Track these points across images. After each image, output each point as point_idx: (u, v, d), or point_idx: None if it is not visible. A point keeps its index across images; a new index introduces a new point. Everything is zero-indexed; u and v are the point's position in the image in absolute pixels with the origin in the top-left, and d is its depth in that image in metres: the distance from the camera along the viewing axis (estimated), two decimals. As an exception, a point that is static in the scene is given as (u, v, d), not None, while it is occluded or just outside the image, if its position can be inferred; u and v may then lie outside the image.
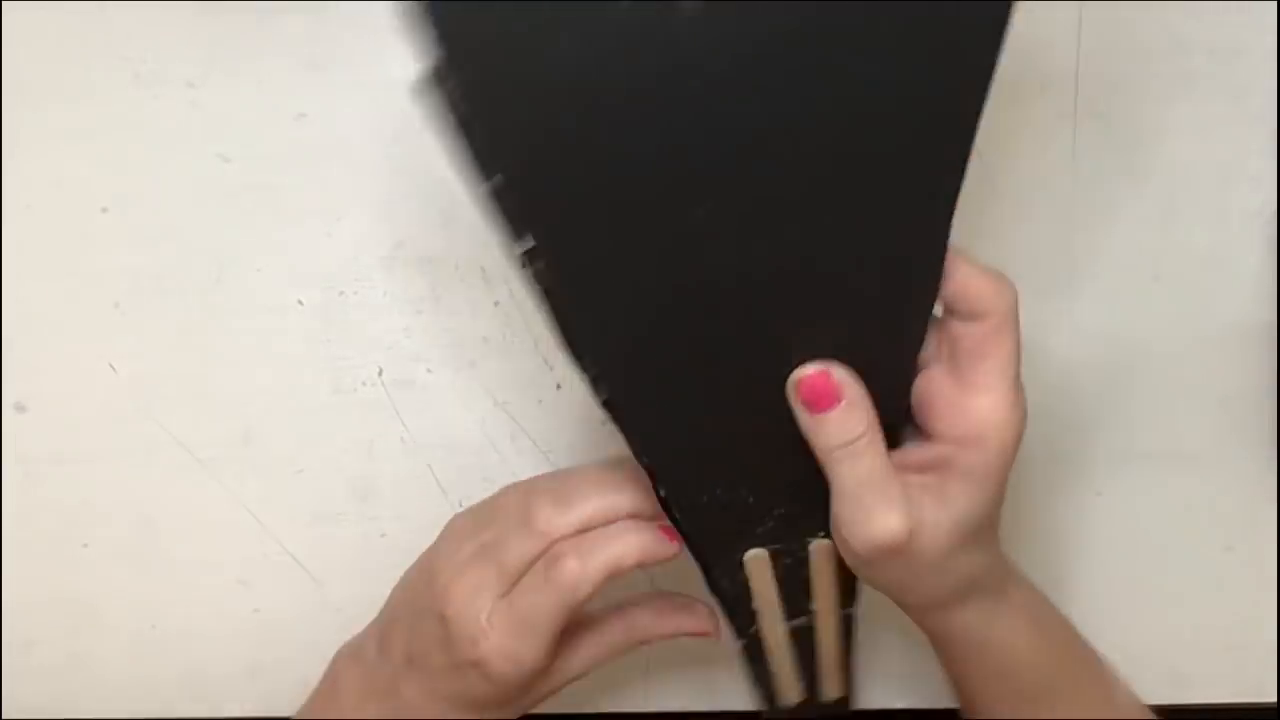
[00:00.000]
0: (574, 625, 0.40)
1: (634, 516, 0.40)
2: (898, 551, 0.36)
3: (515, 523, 0.40)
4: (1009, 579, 0.41)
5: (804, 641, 0.43)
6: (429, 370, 0.49)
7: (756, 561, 0.40)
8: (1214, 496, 0.50)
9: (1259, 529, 0.50)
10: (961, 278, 0.36)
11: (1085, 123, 0.49)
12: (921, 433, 0.39)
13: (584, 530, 0.39)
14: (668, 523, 0.40)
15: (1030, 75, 0.49)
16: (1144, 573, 0.50)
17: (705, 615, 0.43)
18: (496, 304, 0.49)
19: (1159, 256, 0.49)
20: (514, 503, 0.41)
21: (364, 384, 0.48)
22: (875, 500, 0.36)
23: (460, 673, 0.39)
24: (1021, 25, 0.49)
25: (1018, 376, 0.37)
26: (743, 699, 0.50)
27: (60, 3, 0.48)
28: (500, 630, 0.38)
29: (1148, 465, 0.50)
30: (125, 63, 0.48)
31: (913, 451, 0.38)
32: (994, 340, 0.37)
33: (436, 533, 0.49)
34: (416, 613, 0.40)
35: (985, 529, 0.39)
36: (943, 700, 0.50)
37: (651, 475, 0.39)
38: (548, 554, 0.39)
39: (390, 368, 0.48)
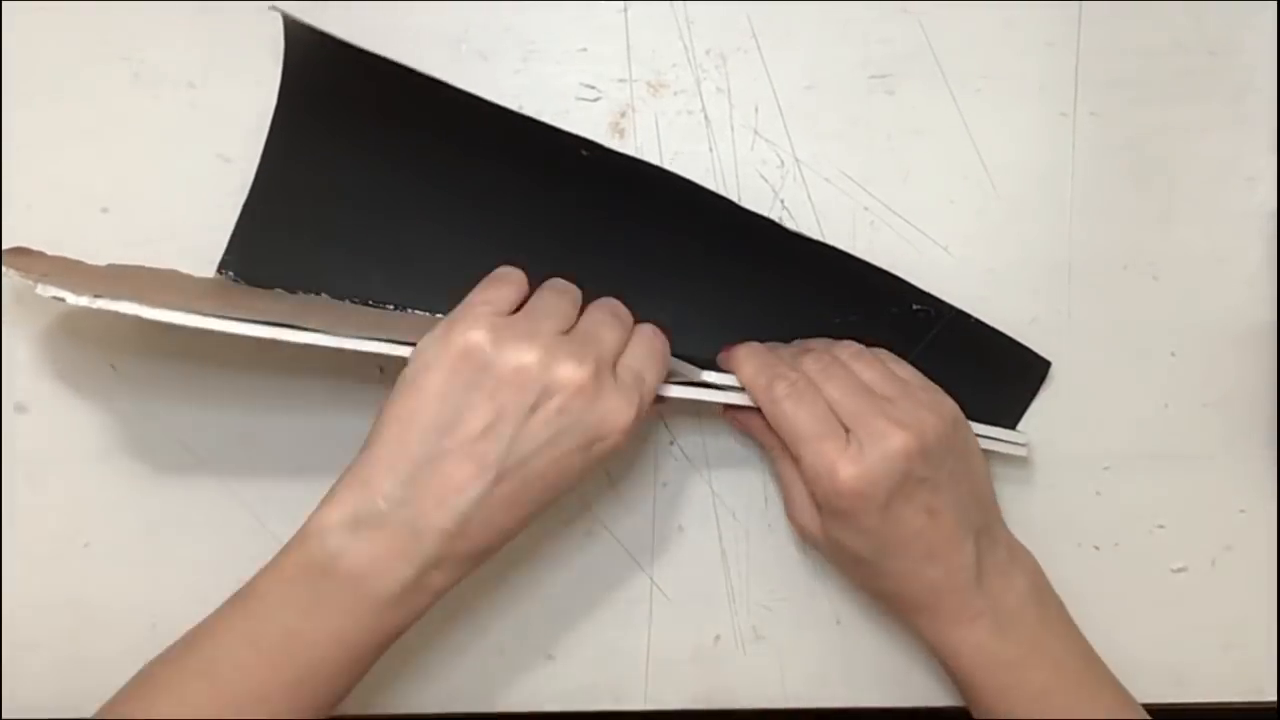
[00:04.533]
0: None
1: None
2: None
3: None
4: (1024, 608, 0.45)
5: None
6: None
7: None
8: (1214, 496, 0.50)
9: (1259, 529, 0.50)
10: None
11: (1085, 123, 0.49)
12: None
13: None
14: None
15: (1030, 75, 0.49)
16: (1144, 573, 0.50)
17: None
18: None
19: (1159, 256, 0.49)
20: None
21: (364, 383, 0.48)
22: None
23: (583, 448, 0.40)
24: (1023, 25, 0.49)
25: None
26: (743, 699, 0.50)
27: (60, 3, 0.48)
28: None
29: (1148, 465, 0.50)
30: (125, 63, 0.48)
31: None
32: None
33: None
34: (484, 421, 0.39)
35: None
36: (937, 700, 0.50)
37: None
38: (633, 337, 0.42)
39: (391, 366, 0.48)
